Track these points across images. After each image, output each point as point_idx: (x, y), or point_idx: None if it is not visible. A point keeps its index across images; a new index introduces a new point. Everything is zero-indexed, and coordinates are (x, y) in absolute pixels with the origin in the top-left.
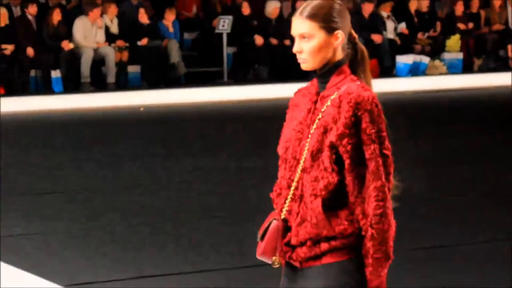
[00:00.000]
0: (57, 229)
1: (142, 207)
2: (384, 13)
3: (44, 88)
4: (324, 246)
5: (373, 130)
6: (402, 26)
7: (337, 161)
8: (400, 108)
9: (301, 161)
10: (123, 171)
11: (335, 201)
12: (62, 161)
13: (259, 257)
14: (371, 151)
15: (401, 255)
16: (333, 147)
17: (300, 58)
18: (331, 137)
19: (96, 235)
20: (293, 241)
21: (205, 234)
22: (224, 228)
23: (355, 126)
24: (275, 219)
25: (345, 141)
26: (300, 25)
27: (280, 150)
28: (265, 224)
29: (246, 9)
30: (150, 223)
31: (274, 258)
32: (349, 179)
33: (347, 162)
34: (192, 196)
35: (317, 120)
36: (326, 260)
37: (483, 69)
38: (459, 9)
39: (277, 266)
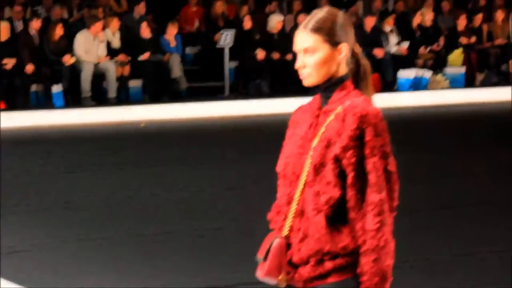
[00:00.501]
0: (58, 244)
1: (141, 219)
2: (388, 27)
3: (45, 102)
4: (328, 265)
5: (376, 144)
6: (403, 45)
7: (340, 175)
8: (401, 123)
9: (302, 176)
10: (122, 185)
11: (337, 216)
12: (63, 176)
13: (262, 278)
14: (372, 164)
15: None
16: (337, 160)
17: (303, 73)
18: (335, 149)
19: (99, 249)
20: (295, 258)
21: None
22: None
23: (360, 139)
24: (277, 237)
25: (349, 153)
26: (304, 38)
27: (279, 167)
28: (266, 244)
29: (248, 23)
30: (154, 238)
31: (280, 277)
32: (351, 193)
33: (350, 175)
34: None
35: (319, 134)
36: (332, 279)
37: (485, 84)
38: (462, 23)
39: (283, 286)
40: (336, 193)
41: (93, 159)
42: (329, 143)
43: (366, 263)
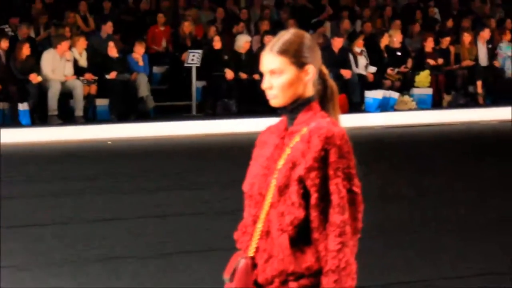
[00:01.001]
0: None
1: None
2: (358, 49)
3: (12, 120)
4: (292, 285)
5: (340, 165)
6: (371, 70)
7: (304, 196)
8: (368, 143)
9: (267, 197)
10: (89, 205)
11: (301, 237)
12: (33, 193)
13: None
14: (335, 186)
15: None
16: (301, 181)
17: (270, 94)
18: (300, 170)
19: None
20: (260, 279)
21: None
22: None
23: (324, 161)
24: (243, 257)
25: (313, 174)
26: (270, 60)
27: (245, 187)
28: (232, 264)
29: (217, 43)
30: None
31: None
32: (314, 214)
33: (314, 196)
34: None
35: (285, 156)
36: None
37: (452, 105)
38: (429, 45)
39: None
40: (300, 213)
41: (60, 176)
42: (294, 165)
43: (327, 283)
